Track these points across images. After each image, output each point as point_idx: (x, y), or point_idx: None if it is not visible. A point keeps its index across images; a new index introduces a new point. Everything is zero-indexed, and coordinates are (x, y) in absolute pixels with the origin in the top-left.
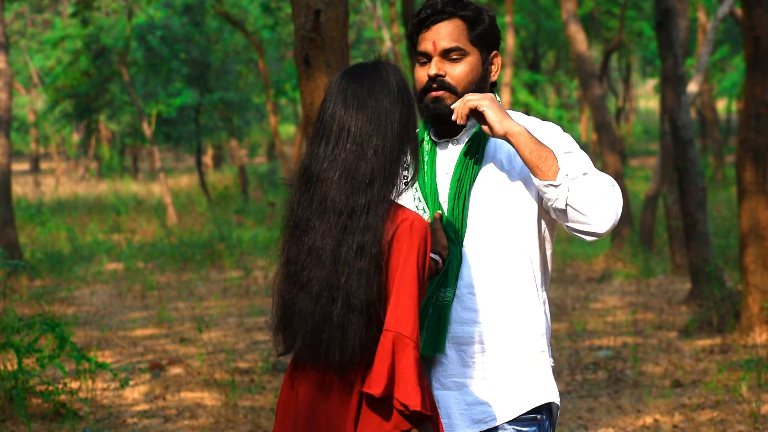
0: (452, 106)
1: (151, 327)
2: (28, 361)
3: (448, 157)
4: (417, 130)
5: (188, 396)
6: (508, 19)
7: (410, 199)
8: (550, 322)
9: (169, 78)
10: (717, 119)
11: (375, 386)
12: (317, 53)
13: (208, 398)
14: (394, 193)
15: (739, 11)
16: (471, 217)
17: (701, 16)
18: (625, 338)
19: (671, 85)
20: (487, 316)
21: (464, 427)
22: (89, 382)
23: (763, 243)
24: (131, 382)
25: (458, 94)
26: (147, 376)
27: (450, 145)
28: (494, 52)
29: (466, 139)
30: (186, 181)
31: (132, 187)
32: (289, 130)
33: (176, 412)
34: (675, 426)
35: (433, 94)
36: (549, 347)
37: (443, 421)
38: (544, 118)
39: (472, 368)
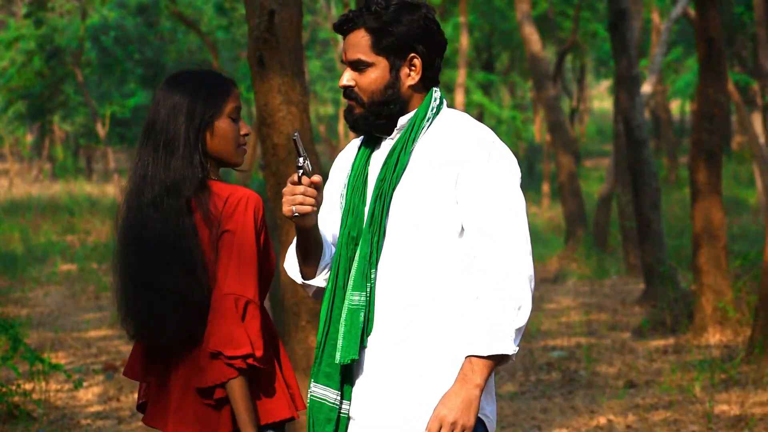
0: None
1: (105, 328)
2: None
3: (381, 156)
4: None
5: None
6: (462, 19)
7: (337, 198)
8: None
9: (123, 78)
10: (671, 120)
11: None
12: (271, 54)
13: None
14: (191, 181)
15: (692, 12)
16: (391, 221)
17: (655, 17)
18: (579, 339)
19: (625, 86)
20: (405, 324)
21: None
22: (43, 384)
23: (716, 243)
24: (85, 384)
25: (364, 105)
26: (101, 377)
27: (383, 142)
28: (411, 54)
29: (398, 137)
30: None
31: (86, 188)
32: None
33: (130, 413)
34: (629, 426)
35: (349, 102)
36: None
37: (358, 427)
38: (498, 119)
39: (388, 375)
